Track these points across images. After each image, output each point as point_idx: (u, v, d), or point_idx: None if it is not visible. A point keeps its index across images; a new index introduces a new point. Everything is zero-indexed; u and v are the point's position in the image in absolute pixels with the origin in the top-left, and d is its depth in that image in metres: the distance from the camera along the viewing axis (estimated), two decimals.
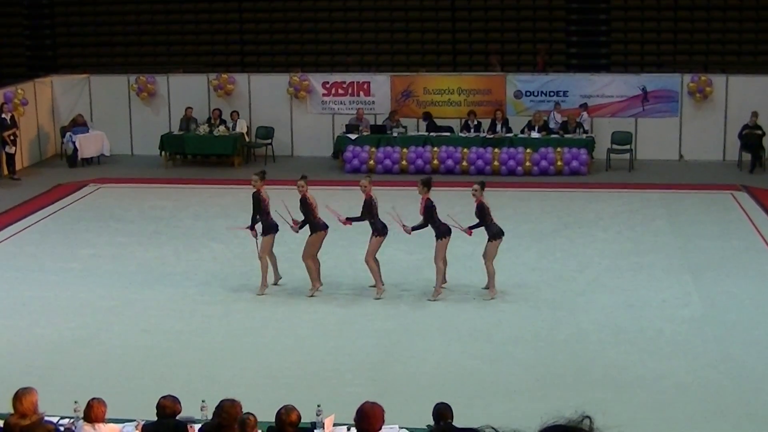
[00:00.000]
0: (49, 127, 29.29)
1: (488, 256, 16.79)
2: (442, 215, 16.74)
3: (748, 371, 13.72)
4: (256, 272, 17.88)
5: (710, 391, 13.07)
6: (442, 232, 16.60)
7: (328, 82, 28.98)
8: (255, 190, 16.92)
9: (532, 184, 25.30)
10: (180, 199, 23.96)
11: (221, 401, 9.72)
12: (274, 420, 9.78)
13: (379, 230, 16.70)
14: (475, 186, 16.67)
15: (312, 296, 16.87)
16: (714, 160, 27.33)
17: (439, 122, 27.80)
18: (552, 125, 27.19)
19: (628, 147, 27.09)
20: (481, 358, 14.25)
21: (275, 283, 17.33)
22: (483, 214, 16.54)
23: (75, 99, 29.59)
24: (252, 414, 9.23)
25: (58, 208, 23.24)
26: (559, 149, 26.23)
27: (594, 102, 27.87)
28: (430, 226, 16.56)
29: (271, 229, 16.97)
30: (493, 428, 2.23)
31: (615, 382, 13.31)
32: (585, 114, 27.40)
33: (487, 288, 16.91)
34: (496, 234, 16.64)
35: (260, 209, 16.83)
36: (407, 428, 10.42)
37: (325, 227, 16.87)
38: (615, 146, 27.17)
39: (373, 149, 26.75)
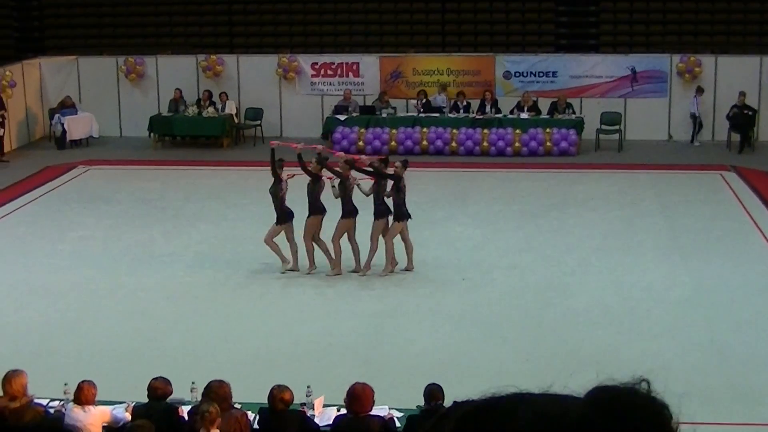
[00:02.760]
0: (38, 108, 29.19)
1: (390, 235, 16.86)
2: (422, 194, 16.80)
3: (736, 353, 13.77)
4: (245, 254, 17.91)
5: (697, 372, 13.12)
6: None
7: (317, 63, 28.93)
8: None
9: (521, 164, 25.31)
10: (169, 181, 23.93)
11: (209, 382, 9.75)
12: (264, 400, 9.83)
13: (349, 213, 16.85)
14: (397, 163, 16.92)
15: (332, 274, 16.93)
16: (703, 141, 27.35)
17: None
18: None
19: (617, 127, 27.10)
20: (470, 339, 14.28)
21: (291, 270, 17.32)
22: (398, 190, 16.65)
23: (63, 81, 29.49)
24: (214, 406, 9.17)
25: (46, 190, 23.18)
26: (548, 130, 26.23)
27: (583, 82, 27.90)
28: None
29: (287, 217, 16.93)
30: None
31: (603, 362, 13.31)
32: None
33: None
34: (394, 215, 16.76)
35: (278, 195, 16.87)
36: (397, 409, 10.45)
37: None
38: (604, 126, 27.18)
39: (363, 130, 26.73)
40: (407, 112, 27.71)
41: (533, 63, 28.27)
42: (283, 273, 17.03)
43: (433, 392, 9.90)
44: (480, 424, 1.88)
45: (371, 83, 28.61)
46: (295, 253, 17.07)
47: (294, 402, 9.92)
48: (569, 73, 28.02)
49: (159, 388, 10.05)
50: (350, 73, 28.74)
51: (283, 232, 16.92)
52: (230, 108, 28.25)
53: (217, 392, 9.56)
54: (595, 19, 30.24)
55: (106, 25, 31.61)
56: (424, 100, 27.51)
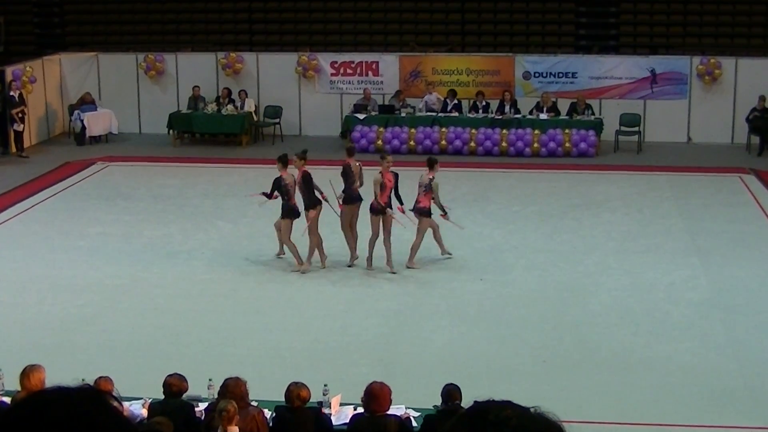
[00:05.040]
0: (57, 104, 29.28)
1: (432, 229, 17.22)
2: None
3: (754, 354, 13.73)
4: (262, 252, 17.97)
5: (716, 373, 13.09)
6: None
7: (336, 62, 28.92)
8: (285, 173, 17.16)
9: (540, 165, 25.25)
10: (188, 178, 23.96)
11: (226, 379, 9.77)
12: (281, 398, 9.83)
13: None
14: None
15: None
16: (722, 143, 27.25)
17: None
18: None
19: (636, 129, 27.02)
20: (488, 340, 14.27)
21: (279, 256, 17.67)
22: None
23: (83, 77, 29.56)
24: (232, 404, 9.19)
25: (65, 186, 23.25)
26: (567, 131, 26.18)
27: (603, 84, 27.84)
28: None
29: (292, 213, 17.12)
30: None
31: (621, 364, 13.32)
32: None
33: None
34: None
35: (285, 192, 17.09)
36: (414, 408, 10.45)
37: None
38: (623, 128, 27.10)
39: (381, 129, 26.73)
40: (422, 106, 27.57)
41: (553, 63, 28.21)
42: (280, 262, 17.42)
43: (451, 392, 9.89)
44: None
45: (391, 82, 28.58)
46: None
47: (311, 400, 9.93)
48: (589, 74, 27.94)
49: (174, 385, 10.06)
50: (370, 72, 28.73)
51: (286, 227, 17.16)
52: (249, 106, 28.27)
53: (233, 390, 9.57)
54: (615, 21, 30.20)
55: (127, 22, 31.70)
56: (456, 102, 27.36)
